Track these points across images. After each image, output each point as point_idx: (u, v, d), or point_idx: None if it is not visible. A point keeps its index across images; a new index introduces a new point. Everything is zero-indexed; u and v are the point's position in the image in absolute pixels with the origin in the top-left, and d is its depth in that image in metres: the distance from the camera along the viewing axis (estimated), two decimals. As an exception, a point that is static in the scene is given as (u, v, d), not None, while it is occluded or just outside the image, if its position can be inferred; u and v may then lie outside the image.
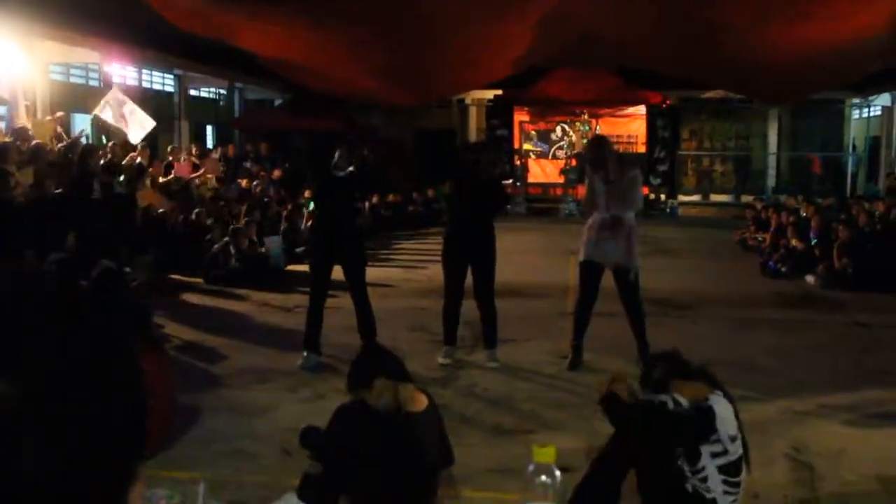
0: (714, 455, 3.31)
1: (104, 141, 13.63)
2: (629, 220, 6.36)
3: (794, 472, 4.43)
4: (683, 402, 3.45)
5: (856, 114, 23.92)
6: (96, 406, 0.81)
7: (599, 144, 6.75)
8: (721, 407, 3.34)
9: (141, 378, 0.86)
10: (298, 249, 11.34)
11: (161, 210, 11.45)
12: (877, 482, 4.32)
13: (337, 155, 6.73)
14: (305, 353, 6.51)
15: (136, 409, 0.86)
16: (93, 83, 17.26)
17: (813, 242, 11.20)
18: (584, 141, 22.23)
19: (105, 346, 0.86)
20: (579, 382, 6.09)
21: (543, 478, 1.31)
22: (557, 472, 1.32)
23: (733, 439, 3.34)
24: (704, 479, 3.33)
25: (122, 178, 11.55)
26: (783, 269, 11.13)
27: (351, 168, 6.78)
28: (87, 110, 16.81)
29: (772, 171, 23.78)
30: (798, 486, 4.25)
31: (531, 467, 1.33)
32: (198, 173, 13.64)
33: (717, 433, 3.30)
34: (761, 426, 5.18)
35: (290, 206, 13.65)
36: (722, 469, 3.33)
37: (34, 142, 10.80)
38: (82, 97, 16.70)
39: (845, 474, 4.39)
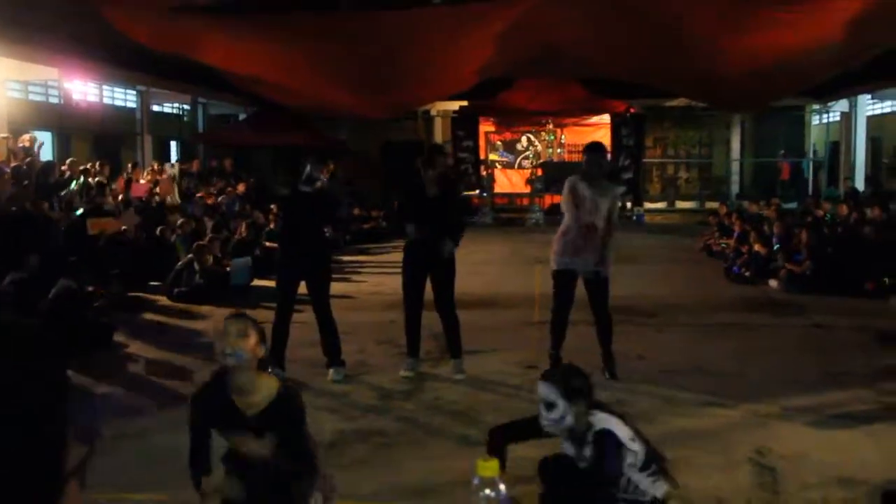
0: (630, 465, 3.37)
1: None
2: (601, 227, 6.29)
3: (758, 475, 4.45)
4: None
5: (815, 119, 24.33)
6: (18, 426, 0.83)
7: (599, 150, 6.57)
8: (606, 421, 3.37)
9: (64, 411, 0.87)
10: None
11: (124, 227, 11.31)
12: (839, 484, 4.35)
13: (308, 169, 6.65)
14: (269, 369, 6.43)
15: (51, 437, 0.86)
16: (53, 100, 17.05)
17: (775, 247, 11.34)
18: (549, 151, 22.42)
19: (29, 375, 0.87)
20: (545, 392, 6.09)
21: (487, 491, 1.30)
22: (502, 486, 1.31)
23: (633, 439, 3.38)
24: (635, 488, 3.37)
25: (80, 195, 11.43)
26: (746, 274, 11.26)
27: (318, 183, 6.74)
28: (46, 128, 16.63)
29: (735, 177, 24.08)
30: (761, 489, 4.27)
31: (475, 481, 1.32)
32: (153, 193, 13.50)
33: (623, 446, 3.35)
34: (724, 430, 5.23)
35: (254, 221, 13.56)
36: (641, 469, 3.38)
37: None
38: (42, 115, 16.50)
39: (808, 477, 4.43)
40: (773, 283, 10.81)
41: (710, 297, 10.24)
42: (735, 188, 23.65)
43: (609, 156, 6.96)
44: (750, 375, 6.51)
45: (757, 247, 11.58)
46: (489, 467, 1.31)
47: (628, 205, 21.19)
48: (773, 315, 9.05)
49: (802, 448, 4.84)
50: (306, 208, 6.58)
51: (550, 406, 3.39)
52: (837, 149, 22.50)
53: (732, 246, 12.55)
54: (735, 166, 24.10)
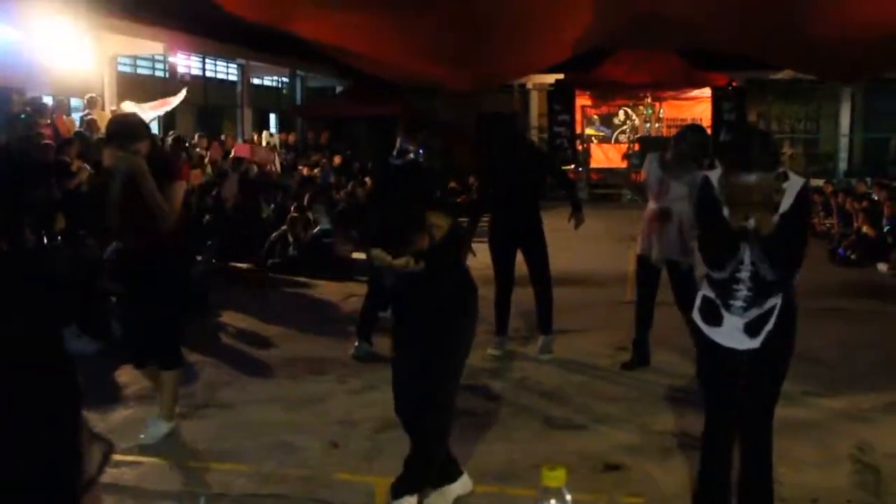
0: None
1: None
2: (679, 210, 5.66)
3: (858, 475, 4.22)
4: None
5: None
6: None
7: (689, 130, 6.12)
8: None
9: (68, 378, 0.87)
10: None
11: (224, 197, 11.56)
12: (947, 486, 4.11)
13: (399, 142, 6.58)
14: (357, 343, 6.50)
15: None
16: (159, 73, 17.58)
17: (885, 229, 10.78)
18: (647, 125, 21.89)
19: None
20: (634, 376, 5.95)
21: (553, 502, 1.24)
22: (568, 497, 1.25)
23: None
24: None
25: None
26: (853, 257, 10.75)
27: (410, 155, 6.64)
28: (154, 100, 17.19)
29: (843, 154, 22.99)
30: (862, 490, 4.05)
31: (540, 491, 1.26)
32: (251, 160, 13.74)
33: None
34: (823, 424, 5.00)
35: (348, 192, 13.70)
36: None
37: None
38: (150, 88, 17.04)
39: (914, 478, 4.18)
40: (881, 267, 10.29)
41: (812, 280, 9.74)
42: (843, 165, 22.59)
43: (705, 135, 6.35)
44: (853, 366, 6.20)
45: (865, 228, 11.04)
46: (555, 476, 1.25)
47: (729, 181, 20.53)
48: (882, 302, 8.61)
49: (909, 447, 4.58)
50: (398, 182, 6.50)
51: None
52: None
53: (838, 227, 12.01)
54: (844, 142, 22.99)
